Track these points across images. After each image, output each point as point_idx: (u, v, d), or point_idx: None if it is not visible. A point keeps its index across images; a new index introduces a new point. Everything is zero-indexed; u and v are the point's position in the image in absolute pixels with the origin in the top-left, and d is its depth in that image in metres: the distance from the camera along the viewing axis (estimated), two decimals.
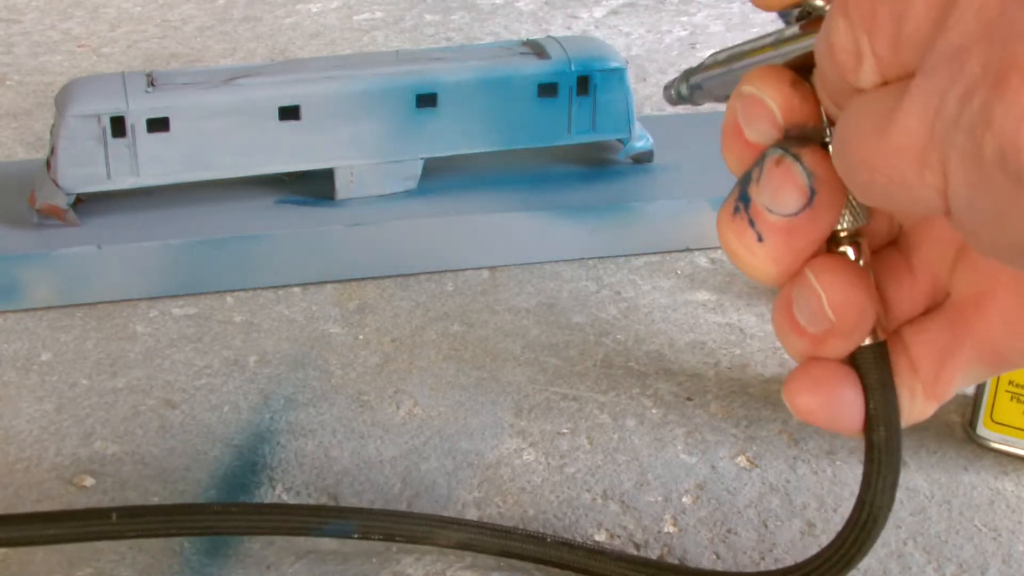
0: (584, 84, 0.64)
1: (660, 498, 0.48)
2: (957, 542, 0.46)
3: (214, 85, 0.61)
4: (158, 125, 0.60)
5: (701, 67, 0.33)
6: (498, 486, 0.48)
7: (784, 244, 0.29)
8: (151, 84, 0.61)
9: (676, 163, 0.69)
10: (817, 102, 0.29)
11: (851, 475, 0.49)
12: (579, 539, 0.45)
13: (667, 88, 0.35)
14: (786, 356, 0.57)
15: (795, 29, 0.29)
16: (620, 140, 0.67)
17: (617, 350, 0.57)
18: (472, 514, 0.47)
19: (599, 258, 0.65)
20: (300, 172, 0.64)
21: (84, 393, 0.54)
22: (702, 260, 0.65)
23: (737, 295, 0.62)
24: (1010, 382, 0.49)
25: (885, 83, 0.25)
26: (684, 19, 1.03)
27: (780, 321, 0.30)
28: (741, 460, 0.50)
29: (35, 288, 0.59)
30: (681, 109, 0.84)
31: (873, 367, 0.30)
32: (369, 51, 0.93)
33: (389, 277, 0.63)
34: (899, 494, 0.48)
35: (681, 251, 0.66)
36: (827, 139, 0.29)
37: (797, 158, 0.28)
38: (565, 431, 0.52)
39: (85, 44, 0.94)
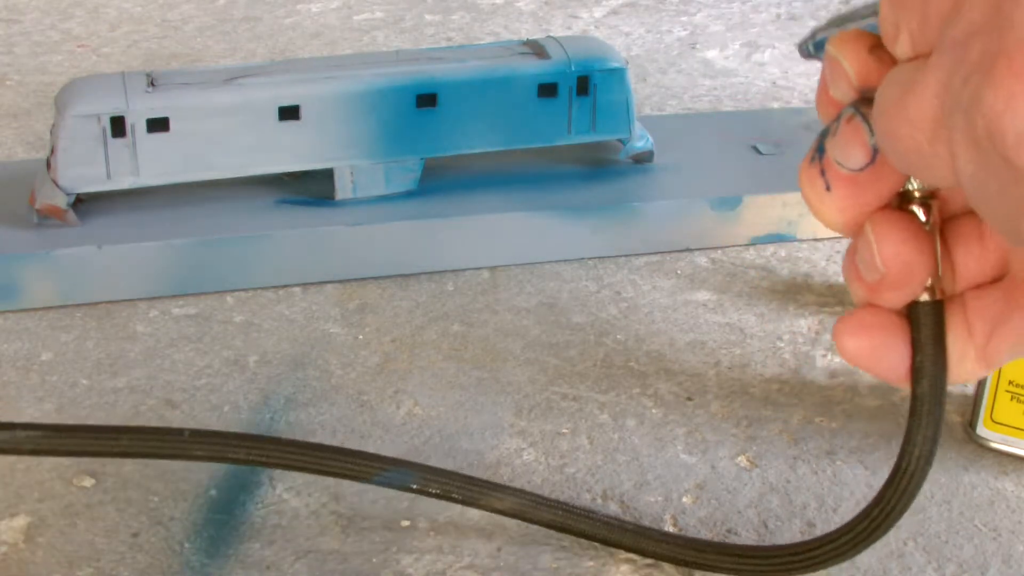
0: (584, 84, 0.64)
1: (660, 498, 0.48)
2: (957, 542, 0.46)
3: (214, 85, 0.61)
4: (158, 125, 0.60)
5: (825, 25, 0.35)
6: None
7: (850, 196, 0.30)
8: (151, 84, 0.61)
9: (676, 163, 0.69)
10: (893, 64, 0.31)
11: (851, 475, 0.49)
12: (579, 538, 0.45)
13: (802, 43, 0.36)
14: (786, 355, 0.57)
15: None
16: (620, 140, 0.67)
17: (617, 350, 0.57)
18: (473, 514, 0.47)
19: (599, 258, 0.65)
20: (300, 172, 0.64)
21: (84, 393, 0.54)
22: (702, 260, 0.65)
23: (737, 295, 0.62)
24: (1010, 382, 0.49)
25: (917, 56, 0.26)
26: (684, 19, 1.04)
27: (846, 267, 0.32)
28: (741, 460, 0.50)
29: (35, 288, 0.59)
30: (680, 108, 0.84)
31: (926, 322, 0.32)
32: (369, 51, 0.93)
33: (389, 277, 0.63)
34: None
35: (681, 251, 0.66)
36: None
37: (865, 118, 0.30)
38: (565, 431, 0.52)
39: (85, 44, 0.94)
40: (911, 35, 0.26)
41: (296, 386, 0.54)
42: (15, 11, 1.01)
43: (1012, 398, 0.49)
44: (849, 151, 0.30)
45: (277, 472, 0.49)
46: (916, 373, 0.32)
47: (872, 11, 0.32)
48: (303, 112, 0.61)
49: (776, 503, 0.48)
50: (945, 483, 0.49)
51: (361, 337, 0.58)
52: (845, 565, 0.45)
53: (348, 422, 0.52)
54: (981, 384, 0.50)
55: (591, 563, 0.45)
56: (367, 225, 0.62)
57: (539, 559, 0.45)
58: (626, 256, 0.65)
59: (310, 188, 0.64)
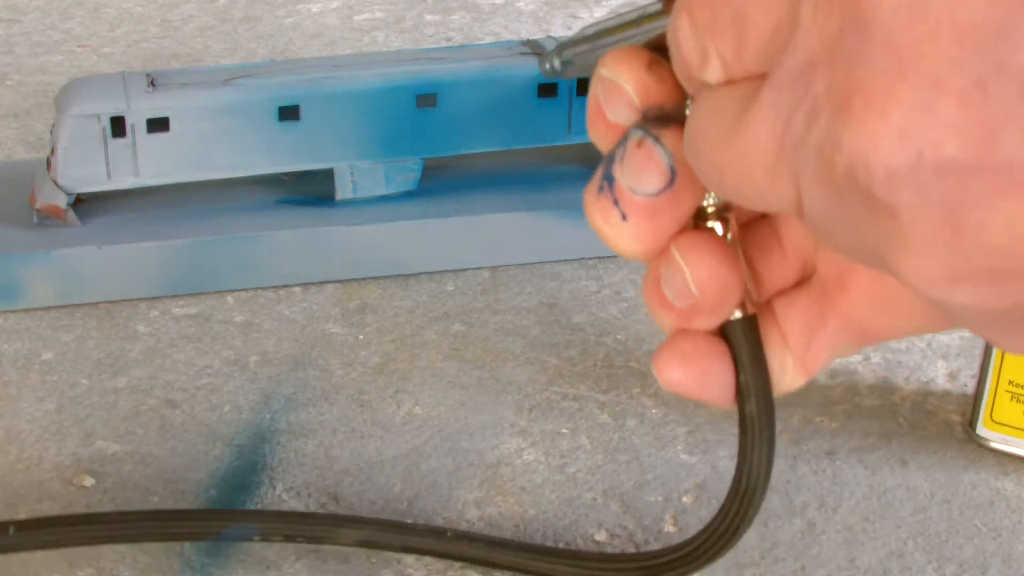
0: (584, 84, 0.64)
1: (661, 498, 0.48)
2: (957, 542, 0.46)
3: (214, 85, 0.61)
4: (158, 125, 0.60)
5: (572, 41, 0.33)
6: (499, 486, 0.49)
7: (648, 223, 0.29)
8: (151, 84, 0.61)
9: None
10: (677, 81, 0.29)
11: (851, 475, 0.49)
12: (578, 538, 0.45)
13: (542, 60, 0.34)
14: None
15: (658, 5, 0.29)
16: None
17: (618, 350, 0.57)
18: (473, 514, 0.47)
19: (599, 258, 0.65)
20: (300, 172, 0.64)
21: (85, 393, 0.54)
22: None
23: None
24: (1010, 382, 0.49)
25: (732, 82, 0.25)
26: None
27: (649, 296, 0.31)
28: None
29: (35, 288, 0.59)
30: None
31: (743, 340, 0.30)
32: (369, 51, 0.93)
33: (389, 277, 0.63)
34: (899, 494, 0.48)
35: None
36: None
37: (657, 140, 0.29)
38: (566, 431, 0.52)
39: (85, 44, 0.94)
40: (724, 62, 0.25)
41: (296, 386, 0.54)
42: (15, 11, 1.01)
43: (1012, 398, 0.49)
44: (644, 177, 0.29)
45: (277, 472, 0.49)
46: (742, 393, 0.31)
47: (623, 23, 0.30)
48: (303, 112, 0.61)
49: (776, 503, 0.48)
50: (945, 483, 0.49)
51: (361, 337, 0.58)
52: (844, 564, 0.45)
53: (348, 422, 0.52)
54: (981, 384, 0.50)
55: None
56: (367, 225, 0.62)
57: None
58: None
59: (310, 188, 0.64)
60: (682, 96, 0.29)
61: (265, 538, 0.44)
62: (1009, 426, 0.49)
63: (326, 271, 0.62)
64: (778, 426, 0.52)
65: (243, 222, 0.62)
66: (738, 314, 0.30)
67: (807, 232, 0.31)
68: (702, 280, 0.29)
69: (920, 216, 0.21)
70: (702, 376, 0.31)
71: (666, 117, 0.29)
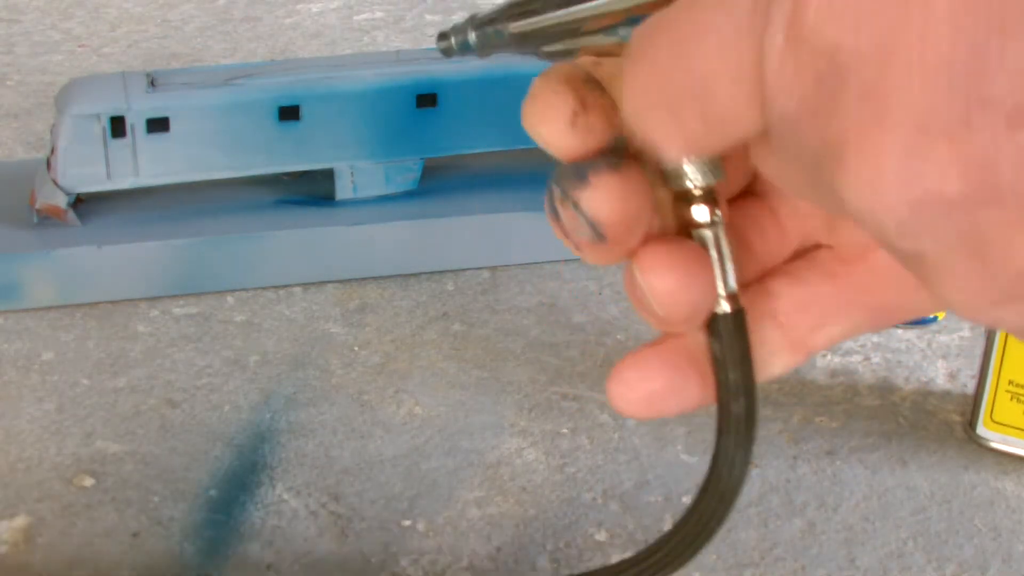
0: None
1: (661, 498, 0.48)
2: (957, 542, 0.46)
3: (214, 85, 0.61)
4: (158, 125, 0.60)
5: (499, 14, 0.29)
6: (499, 485, 0.49)
7: (600, 254, 0.27)
8: (151, 84, 0.61)
9: None
10: (610, 113, 0.27)
11: (851, 475, 0.49)
12: (579, 538, 0.45)
13: (445, 36, 0.29)
14: None
15: None
16: None
17: (618, 350, 0.57)
18: (473, 513, 0.47)
19: None
20: (300, 172, 0.64)
21: (85, 393, 0.54)
22: None
23: None
24: (1010, 382, 0.49)
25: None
26: None
27: (631, 296, 0.28)
28: None
29: (35, 288, 0.59)
30: None
31: (732, 337, 0.28)
32: (369, 51, 0.93)
33: (389, 277, 0.63)
34: (899, 494, 0.48)
35: None
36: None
37: (576, 206, 0.26)
38: (566, 431, 0.52)
39: (85, 44, 0.94)
40: (689, 140, 0.24)
41: (296, 386, 0.54)
42: (15, 11, 1.01)
43: (1012, 398, 0.49)
44: (576, 229, 0.27)
45: (277, 472, 0.49)
46: (729, 391, 0.29)
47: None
48: (303, 112, 0.61)
49: (776, 503, 0.48)
50: (945, 483, 0.49)
51: (361, 337, 0.58)
52: (844, 564, 0.45)
53: (348, 422, 0.52)
54: (981, 384, 0.50)
55: (589, 564, 0.45)
56: (367, 225, 0.62)
57: (537, 560, 0.45)
58: None
59: (310, 188, 0.64)
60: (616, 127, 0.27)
61: None
62: (1009, 426, 0.49)
63: (326, 271, 0.62)
64: (778, 426, 0.52)
65: (243, 222, 0.62)
66: (726, 308, 0.28)
67: (812, 206, 0.29)
68: (664, 299, 0.27)
69: (945, 256, 0.21)
70: (662, 393, 0.29)
71: (602, 157, 0.27)
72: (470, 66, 0.64)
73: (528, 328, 0.59)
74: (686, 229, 0.28)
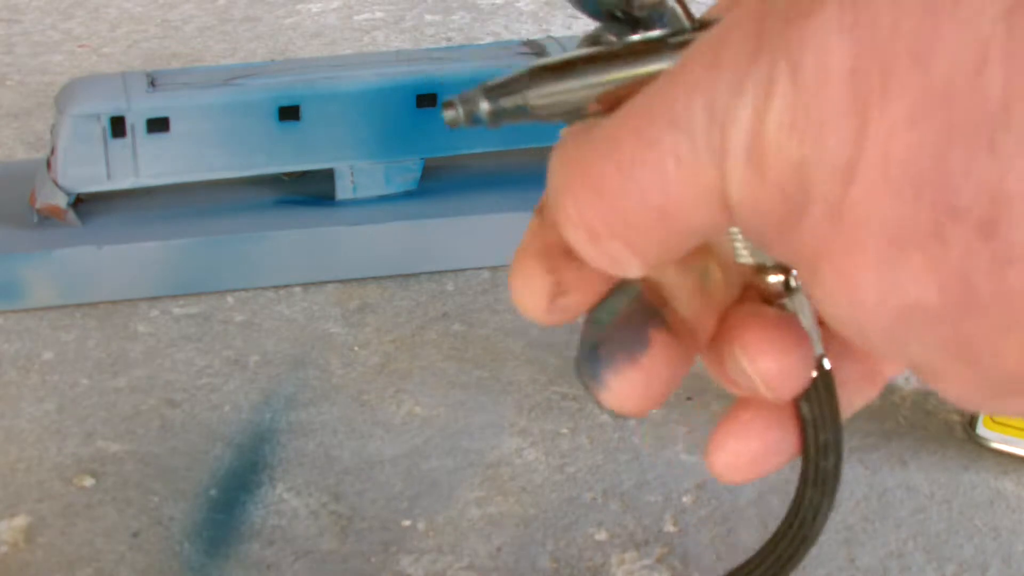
0: None
1: (660, 497, 0.48)
2: (957, 542, 0.46)
3: (214, 85, 0.61)
4: (158, 125, 0.60)
5: (514, 82, 0.27)
6: (499, 485, 0.49)
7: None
8: (151, 84, 0.61)
9: None
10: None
11: (850, 475, 0.49)
12: (579, 538, 0.45)
13: (451, 105, 0.28)
14: None
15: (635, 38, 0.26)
16: None
17: None
18: (473, 513, 0.47)
19: None
20: (300, 172, 0.64)
21: (85, 392, 0.54)
22: None
23: None
24: None
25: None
26: None
27: (714, 375, 0.27)
28: None
29: (35, 288, 0.59)
30: None
31: (823, 399, 0.28)
32: (369, 51, 0.93)
33: (389, 277, 0.63)
34: (899, 493, 0.48)
35: None
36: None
37: (597, 402, 0.26)
38: (566, 431, 0.52)
39: (86, 44, 0.94)
40: (646, 260, 0.23)
41: (297, 386, 0.54)
42: (15, 11, 1.01)
43: None
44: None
45: (278, 472, 0.49)
46: (819, 450, 0.29)
47: (597, 58, 0.26)
48: (303, 112, 0.61)
49: (776, 503, 0.48)
50: (945, 483, 0.49)
51: (361, 337, 0.58)
52: (844, 564, 0.45)
53: (349, 422, 0.52)
54: None
55: (589, 564, 0.45)
56: (367, 225, 0.62)
57: (537, 560, 0.45)
58: None
59: (310, 188, 0.64)
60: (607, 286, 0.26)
61: None
62: (1009, 426, 0.49)
63: (326, 271, 0.62)
64: None
65: (243, 222, 0.62)
66: (812, 372, 0.27)
67: None
68: (775, 380, 0.26)
69: (934, 361, 0.20)
70: (764, 451, 0.28)
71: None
72: (470, 66, 0.64)
73: (528, 328, 0.59)
74: (764, 298, 0.27)
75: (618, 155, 0.21)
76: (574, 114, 0.26)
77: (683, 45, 0.24)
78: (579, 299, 0.26)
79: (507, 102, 0.27)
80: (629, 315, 0.26)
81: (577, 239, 0.23)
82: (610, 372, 0.26)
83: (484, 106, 0.27)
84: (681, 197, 0.21)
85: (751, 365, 0.26)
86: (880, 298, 0.20)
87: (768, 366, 0.26)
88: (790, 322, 0.26)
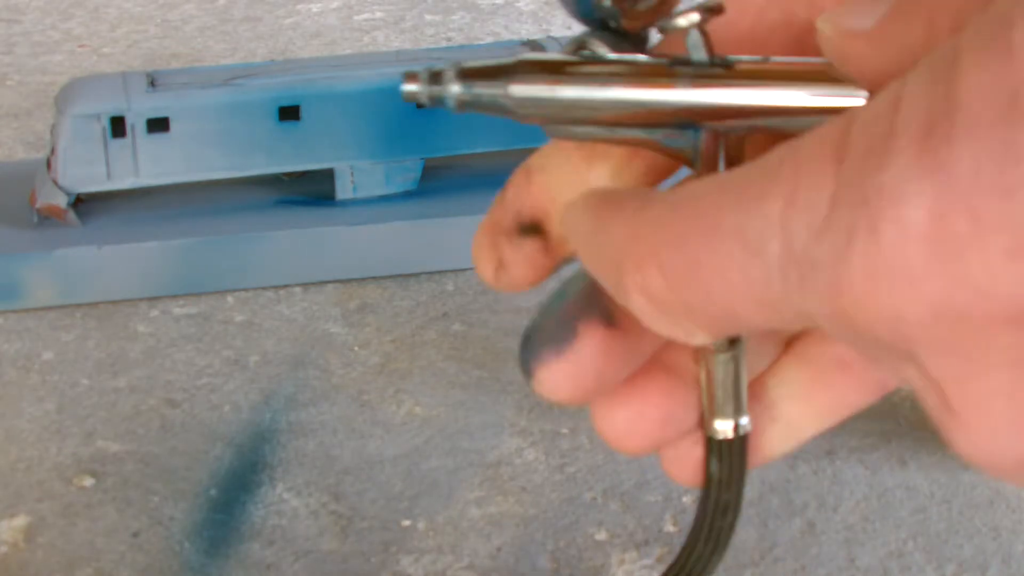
0: None
1: (660, 497, 0.48)
2: (957, 542, 0.46)
3: (214, 85, 0.61)
4: (158, 125, 0.60)
5: (504, 72, 0.24)
6: (499, 485, 0.49)
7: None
8: (151, 84, 0.61)
9: None
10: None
11: (851, 475, 0.49)
12: (579, 538, 0.45)
13: (414, 79, 0.24)
14: None
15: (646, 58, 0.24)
16: None
17: None
18: (473, 513, 0.47)
19: None
20: (300, 172, 0.64)
21: (85, 392, 0.54)
22: None
23: None
24: None
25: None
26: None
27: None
28: None
29: (35, 288, 0.59)
30: None
31: (732, 461, 0.27)
32: (369, 51, 0.93)
33: (389, 277, 0.63)
34: (899, 494, 0.48)
35: None
36: None
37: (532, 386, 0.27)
38: (566, 430, 0.52)
39: (86, 44, 0.94)
40: (712, 333, 0.21)
41: (297, 386, 0.54)
42: (15, 11, 1.01)
43: None
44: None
45: (278, 471, 0.49)
46: (720, 508, 0.28)
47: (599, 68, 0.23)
48: (303, 112, 0.61)
49: (776, 503, 0.48)
50: (945, 483, 0.49)
51: (361, 337, 0.58)
52: (844, 564, 0.45)
53: (348, 422, 0.52)
54: None
55: (589, 564, 0.45)
56: (367, 225, 0.62)
57: (537, 560, 0.45)
58: None
59: (310, 188, 0.64)
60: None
61: None
62: None
63: (326, 271, 0.62)
64: None
65: (243, 222, 0.62)
66: (728, 434, 0.26)
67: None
68: (613, 429, 0.28)
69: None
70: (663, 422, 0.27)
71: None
72: None
73: None
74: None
75: (685, 248, 0.20)
76: (554, 121, 0.25)
77: (696, 76, 0.23)
78: (519, 274, 0.27)
79: (484, 91, 0.24)
80: (568, 307, 0.26)
81: (641, 312, 0.22)
82: (536, 362, 0.26)
83: (454, 89, 0.24)
84: (751, 312, 0.20)
85: (602, 413, 0.27)
86: (1014, 442, 0.20)
87: (616, 420, 0.27)
88: (683, 390, 0.26)
